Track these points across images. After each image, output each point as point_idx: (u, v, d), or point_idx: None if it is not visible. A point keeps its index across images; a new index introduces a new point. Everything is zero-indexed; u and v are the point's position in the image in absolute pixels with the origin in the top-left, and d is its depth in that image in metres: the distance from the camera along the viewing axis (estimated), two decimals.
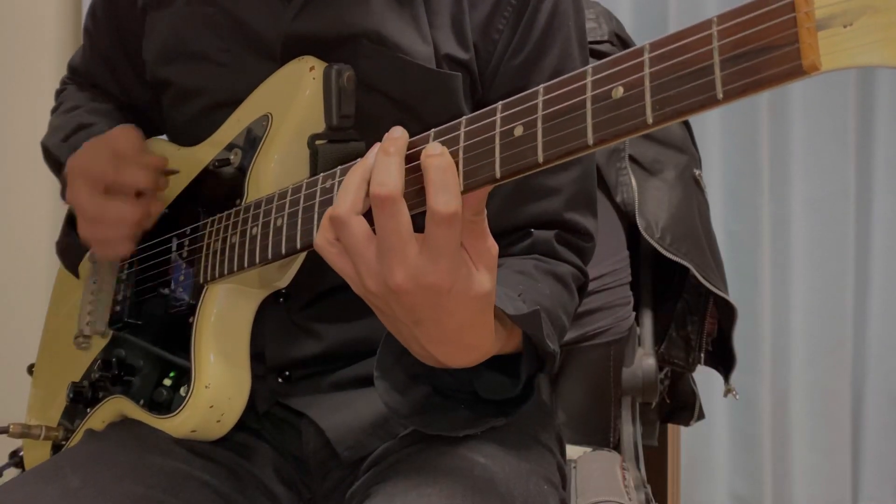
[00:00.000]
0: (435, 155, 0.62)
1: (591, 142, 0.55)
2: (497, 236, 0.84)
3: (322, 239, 0.66)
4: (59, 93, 1.15)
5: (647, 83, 0.52)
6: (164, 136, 1.06)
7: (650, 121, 0.52)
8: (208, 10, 0.92)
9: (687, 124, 1.47)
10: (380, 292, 0.64)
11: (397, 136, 0.64)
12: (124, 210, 0.88)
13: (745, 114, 2.15)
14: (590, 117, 0.55)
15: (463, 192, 0.61)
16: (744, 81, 0.48)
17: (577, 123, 0.55)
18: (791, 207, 2.18)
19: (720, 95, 0.49)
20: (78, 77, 1.14)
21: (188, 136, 0.97)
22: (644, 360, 1.31)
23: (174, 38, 0.95)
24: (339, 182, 0.70)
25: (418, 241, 0.62)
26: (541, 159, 0.57)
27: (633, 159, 1.38)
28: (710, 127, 2.13)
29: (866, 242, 2.20)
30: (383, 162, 0.63)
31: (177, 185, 0.96)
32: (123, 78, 1.07)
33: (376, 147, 0.65)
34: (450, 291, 0.63)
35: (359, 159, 0.67)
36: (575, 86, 0.56)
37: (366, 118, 0.82)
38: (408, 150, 0.64)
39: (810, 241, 2.19)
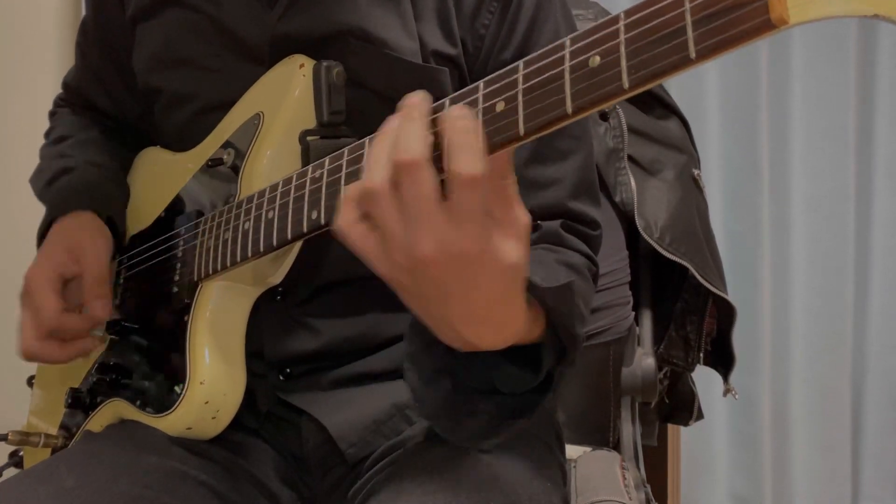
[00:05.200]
0: (457, 117, 0.58)
1: (569, 110, 0.56)
2: None
3: (344, 220, 0.62)
4: (52, 115, 1.17)
5: (622, 49, 0.53)
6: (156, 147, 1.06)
7: (626, 85, 0.53)
8: (194, 17, 0.93)
9: (686, 124, 1.47)
10: (408, 265, 0.60)
11: (419, 100, 0.61)
12: (54, 354, 0.92)
13: (745, 114, 2.15)
14: (568, 87, 0.55)
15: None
16: (715, 40, 0.49)
17: (556, 94, 0.56)
18: (791, 207, 2.18)
19: (693, 55, 0.50)
20: (71, 95, 1.15)
21: (181, 141, 0.98)
22: (643, 360, 1.31)
23: (164, 47, 0.96)
24: (328, 171, 0.70)
25: (445, 209, 0.58)
26: (522, 132, 0.58)
27: (632, 159, 1.38)
28: (710, 127, 2.13)
29: (866, 242, 2.20)
30: (407, 127, 0.59)
31: (172, 188, 0.96)
32: (114, 91, 1.09)
33: (396, 116, 0.61)
34: (478, 260, 0.59)
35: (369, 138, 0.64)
36: (553, 58, 0.57)
37: (355, 114, 0.82)
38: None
39: (810, 240, 2.19)
